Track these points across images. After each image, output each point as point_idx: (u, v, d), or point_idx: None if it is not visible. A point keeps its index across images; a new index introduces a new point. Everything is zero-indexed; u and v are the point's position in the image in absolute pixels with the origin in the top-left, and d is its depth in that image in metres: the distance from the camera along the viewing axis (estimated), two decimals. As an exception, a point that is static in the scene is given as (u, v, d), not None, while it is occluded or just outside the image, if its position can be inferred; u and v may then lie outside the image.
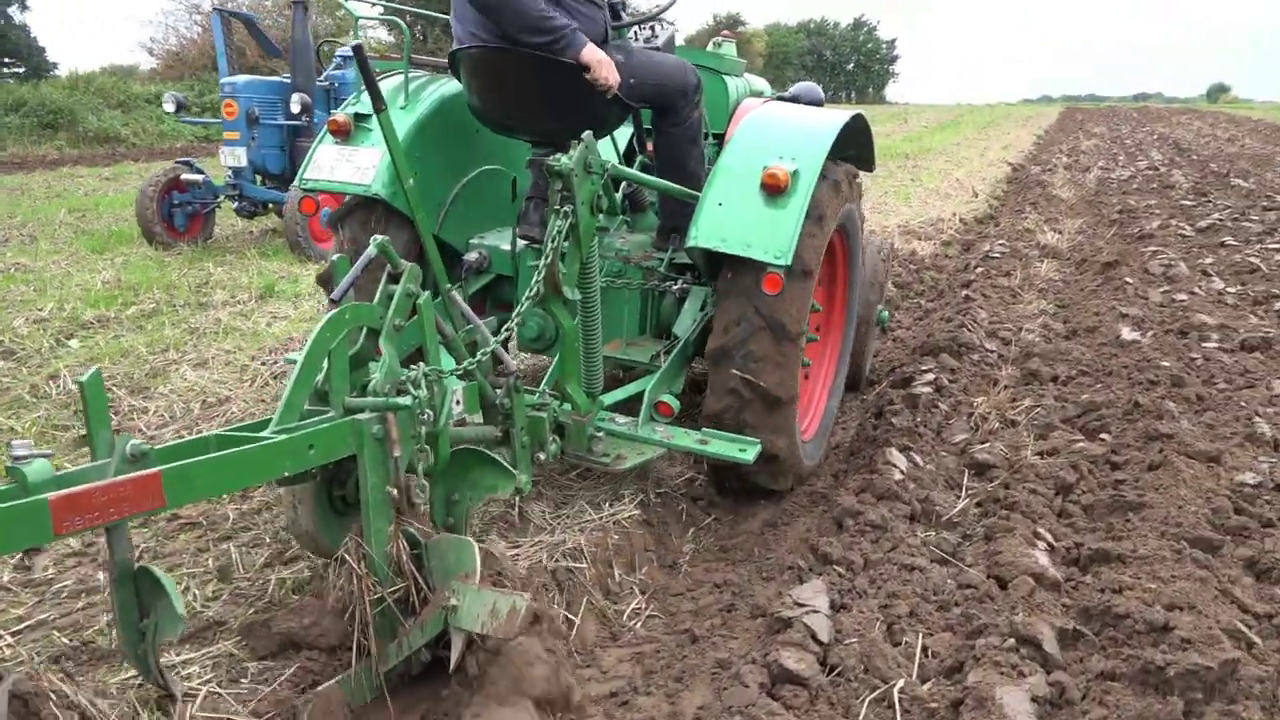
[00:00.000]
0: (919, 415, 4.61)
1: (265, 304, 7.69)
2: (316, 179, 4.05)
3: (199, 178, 9.84)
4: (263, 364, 5.76)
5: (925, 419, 4.58)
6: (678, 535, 3.80)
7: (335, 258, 2.94)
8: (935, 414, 4.65)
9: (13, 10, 38.44)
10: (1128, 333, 6.05)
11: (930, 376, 5.19)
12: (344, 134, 4.05)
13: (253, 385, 5.33)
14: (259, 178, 10.25)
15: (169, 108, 10.27)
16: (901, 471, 3.77)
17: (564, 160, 3.13)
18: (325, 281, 4.17)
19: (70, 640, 2.81)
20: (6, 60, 45.39)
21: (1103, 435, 4.26)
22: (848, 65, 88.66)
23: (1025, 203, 14.35)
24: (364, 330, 2.59)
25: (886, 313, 5.59)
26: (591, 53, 3.53)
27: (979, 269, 8.79)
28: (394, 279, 2.66)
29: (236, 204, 10.20)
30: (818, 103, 5.10)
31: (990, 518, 3.49)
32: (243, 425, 2.45)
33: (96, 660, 2.71)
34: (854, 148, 4.19)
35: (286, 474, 2.26)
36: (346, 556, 2.43)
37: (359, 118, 4.07)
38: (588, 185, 3.25)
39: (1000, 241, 10.39)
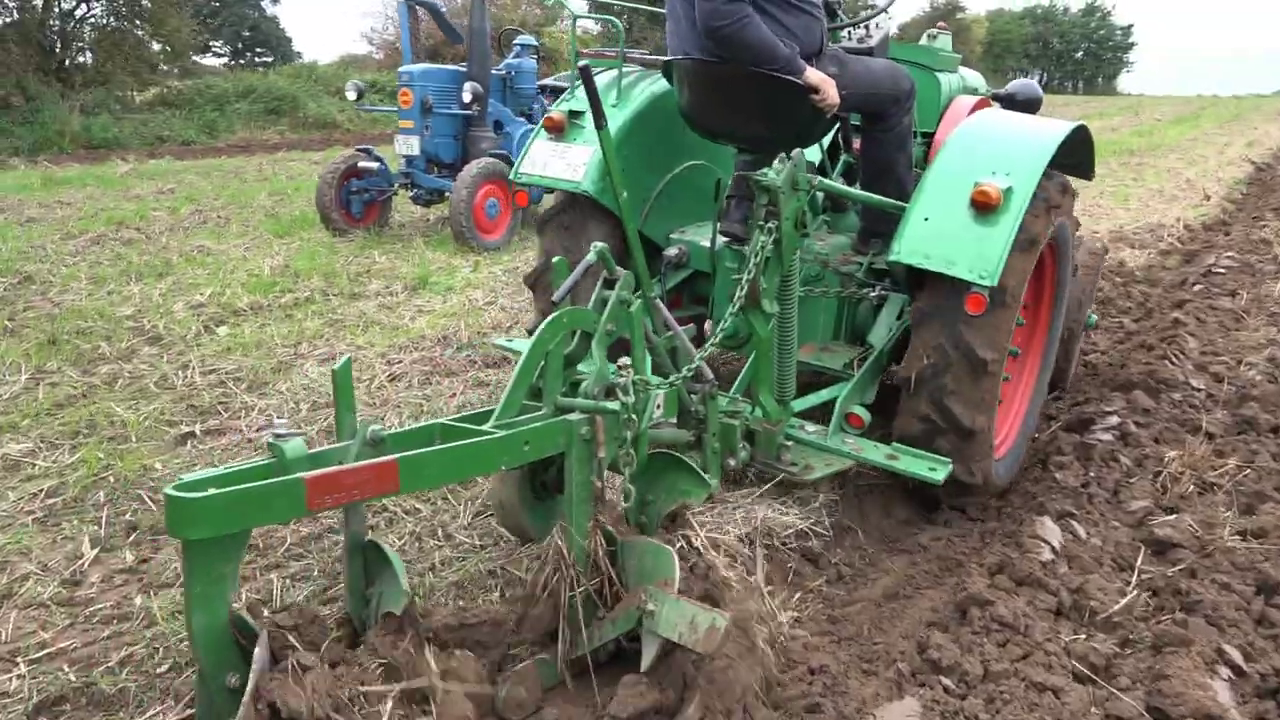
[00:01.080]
0: (1092, 470, 3.87)
1: (416, 296, 7.60)
2: (530, 173, 4.24)
3: (375, 165, 9.93)
4: (389, 362, 5.59)
5: (1099, 475, 3.84)
6: (781, 598, 3.27)
7: (555, 260, 3.00)
8: (1113, 470, 3.90)
9: (265, 3, 41.30)
10: (1376, 379, 5.00)
11: (1115, 420, 4.41)
12: (559, 130, 4.21)
13: (368, 388, 5.15)
14: (433, 166, 10.25)
15: (350, 95, 10.44)
16: (1054, 549, 3.09)
17: (772, 175, 3.16)
18: (533, 283, 4.51)
19: (75, 678, 2.60)
20: (258, 50, 48.97)
21: (1330, 517, 3.41)
22: (1076, 53, 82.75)
23: (1266, 208, 12.71)
24: (578, 332, 2.74)
25: (1095, 316, 5.35)
26: (811, 77, 3.55)
27: (1198, 286, 7.68)
28: (609, 284, 2.77)
29: (412, 192, 10.26)
30: (1035, 101, 5.02)
31: (1163, 619, 2.78)
32: (464, 416, 2.63)
33: (89, 706, 2.47)
34: (1073, 156, 3.90)
35: (503, 467, 2.48)
36: (558, 540, 2.54)
37: (573, 115, 4.22)
38: (794, 202, 3.28)
39: (1230, 254, 9.12)
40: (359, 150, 10.35)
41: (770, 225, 3.23)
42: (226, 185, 14.26)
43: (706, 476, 2.82)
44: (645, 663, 2.34)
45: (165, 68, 27.13)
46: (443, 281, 7.99)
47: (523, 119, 11.00)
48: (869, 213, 4.18)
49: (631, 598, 2.44)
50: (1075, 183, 3.96)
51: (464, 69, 10.11)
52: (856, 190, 4.09)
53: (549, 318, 2.64)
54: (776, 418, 3.59)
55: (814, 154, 4.71)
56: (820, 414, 3.81)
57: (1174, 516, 3.43)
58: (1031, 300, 4.27)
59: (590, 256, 2.82)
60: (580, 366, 2.76)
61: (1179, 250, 10.07)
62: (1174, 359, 5.39)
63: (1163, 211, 12.60)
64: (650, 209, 4.30)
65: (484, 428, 2.45)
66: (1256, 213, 12.34)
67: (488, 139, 10.21)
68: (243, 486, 1.92)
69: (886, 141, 4.07)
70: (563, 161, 4.15)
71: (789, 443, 3.65)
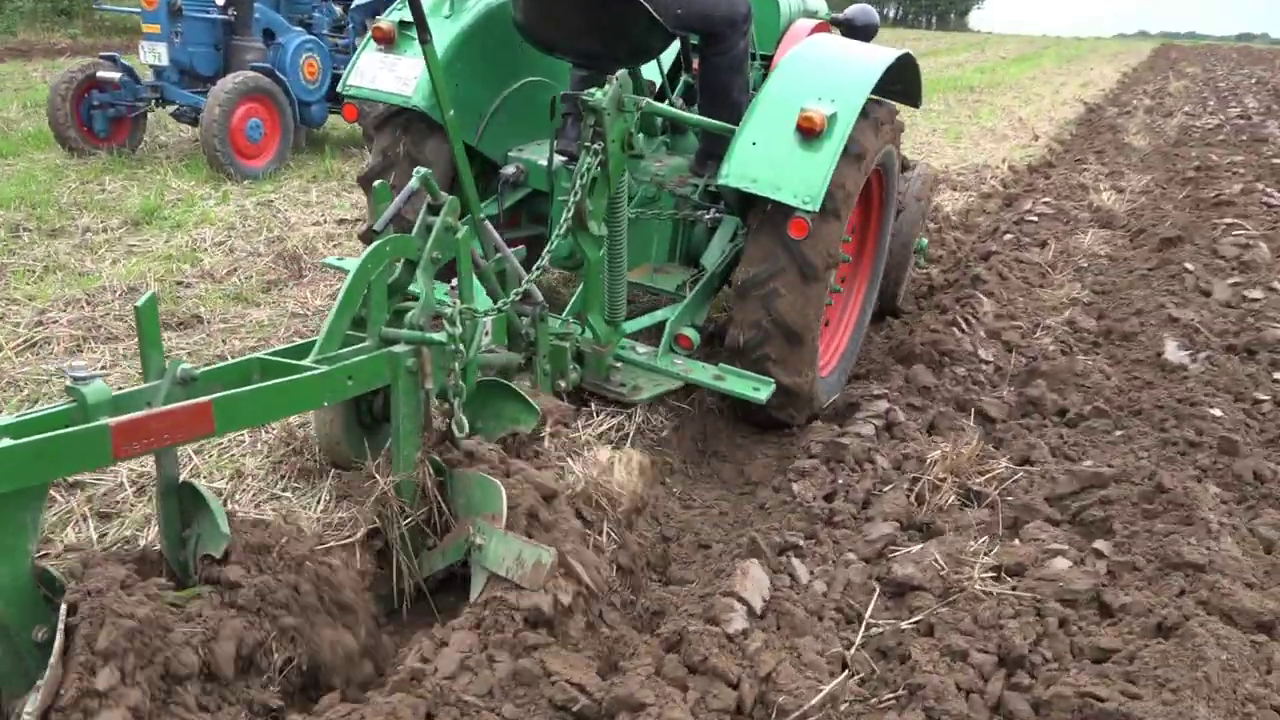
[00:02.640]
0: (841, 476, 3.21)
1: (134, 234, 6.43)
2: (359, 86, 4.08)
3: (116, 76, 8.53)
4: (40, 324, 4.50)
5: (848, 484, 3.18)
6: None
7: (376, 184, 2.93)
8: (865, 476, 3.25)
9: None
10: (1173, 350, 4.54)
11: (882, 406, 3.77)
12: (388, 42, 4.04)
13: (-9, 357, 4.09)
14: (189, 79, 8.92)
15: (85, -8, 8.93)
16: (753, 611, 2.36)
17: (598, 95, 3.15)
18: (368, 239, 4.15)
19: None
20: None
21: (1099, 544, 2.81)
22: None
23: (1090, 150, 12.53)
24: (402, 260, 2.68)
25: (925, 240, 5.51)
26: None
27: (1008, 235, 7.21)
28: (434, 210, 2.73)
29: (172, 108, 8.93)
30: (872, 26, 5.04)
31: (880, 712, 2.11)
32: (284, 349, 2.52)
33: None
34: (900, 83, 4.05)
35: (325, 404, 2.44)
36: (376, 477, 2.54)
37: (403, 25, 4.03)
38: (620, 123, 3.27)
39: (1047, 199, 8.73)
40: (103, 57, 8.92)
41: (596, 147, 3.21)
42: (-21, 93, 12.42)
43: (537, 406, 2.86)
44: (474, 594, 2.36)
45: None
46: (174, 216, 6.83)
47: (300, 28, 9.70)
48: (707, 135, 4.12)
49: (460, 529, 2.49)
50: (908, 115, 4.05)
51: (222, -34, 8.75)
52: (685, 113, 4.08)
53: (371, 246, 2.56)
54: (606, 339, 3.61)
55: (654, 74, 4.59)
56: (653, 335, 3.83)
57: (919, 548, 2.78)
58: (858, 224, 4.29)
59: (413, 182, 2.75)
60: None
61: (999, 194, 9.68)
62: (965, 324, 4.82)
63: (990, 151, 12.27)
64: (487, 125, 4.22)
65: (305, 363, 2.35)
66: (1080, 155, 12.13)
67: (254, 49, 8.92)
68: (41, 436, 1.79)
69: (722, 65, 4.04)
70: (392, 75, 4.00)
71: (619, 364, 3.68)
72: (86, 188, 7.59)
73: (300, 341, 2.61)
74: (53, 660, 1.75)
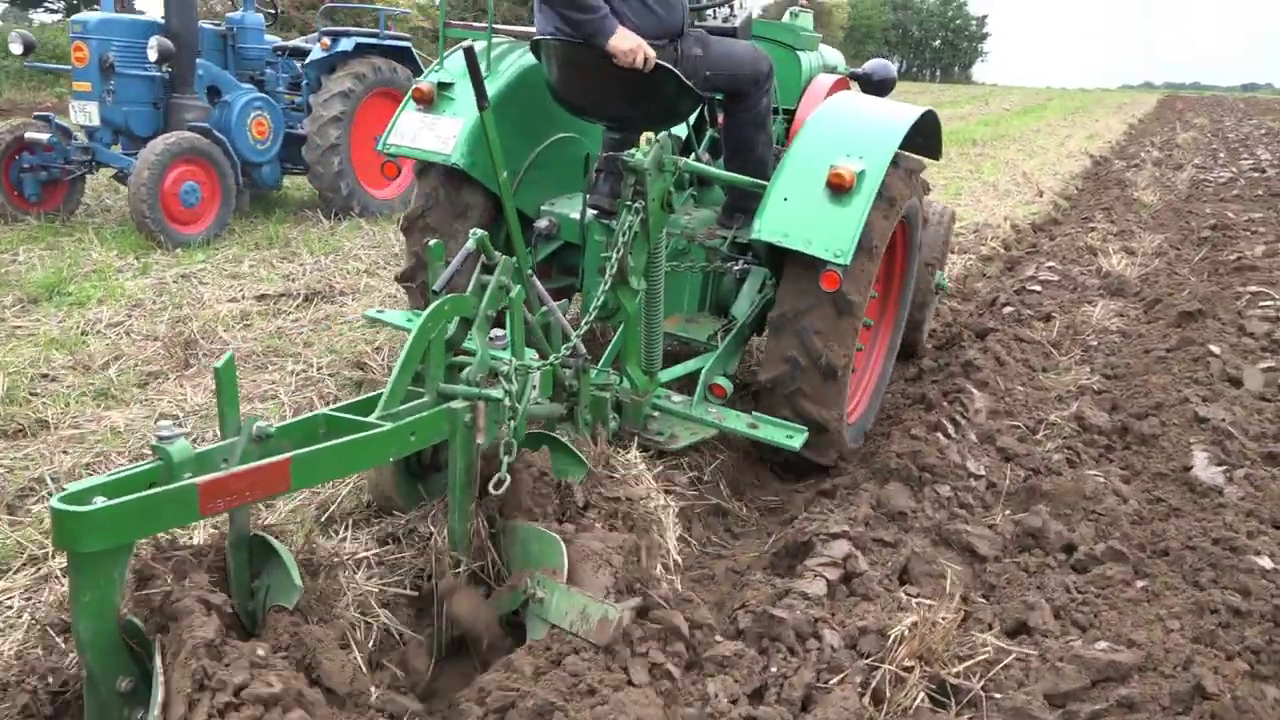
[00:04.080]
0: (774, 664, 2.43)
1: (28, 312, 5.74)
2: (400, 145, 4.24)
3: (44, 138, 7.92)
4: None
5: (781, 678, 2.39)
6: None
7: (431, 243, 2.97)
8: (804, 665, 2.45)
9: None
10: (1203, 464, 3.76)
11: (842, 549, 3.00)
12: (427, 102, 4.21)
13: None
14: (124, 139, 8.31)
15: (15, 49, 8.34)
16: None
17: (639, 157, 3.26)
18: (409, 278, 4.57)
19: None
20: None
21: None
22: (934, 42, 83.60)
23: (1097, 207, 11.82)
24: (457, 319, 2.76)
25: (947, 281, 5.65)
26: (619, 42, 3.55)
27: (1008, 308, 6.46)
28: (488, 270, 2.80)
29: (113, 171, 8.32)
30: (890, 81, 5.16)
31: None
32: (348, 404, 2.64)
33: None
34: (922, 137, 4.15)
35: (391, 459, 2.62)
36: (432, 529, 2.73)
37: (441, 86, 4.23)
38: (660, 183, 3.39)
39: (1051, 263, 8.00)
40: (36, 117, 8.32)
41: (637, 205, 3.33)
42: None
43: (585, 460, 2.92)
44: (530, 640, 2.43)
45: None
46: (79, 292, 6.13)
47: (250, 85, 9.11)
48: (733, 189, 4.22)
49: (516, 580, 2.56)
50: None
51: (160, 21, 8.17)
52: (719, 170, 4.17)
53: (431, 306, 2.67)
54: (644, 389, 3.70)
55: (680, 130, 4.65)
56: (686, 384, 3.92)
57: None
58: (883, 275, 4.40)
59: (470, 244, 2.85)
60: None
61: (1000, 256, 8.97)
62: (953, 427, 4.05)
63: (992, 209, 11.59)
64: (521, 180, 4.36)
65: (370, 419, 2.44)
66: (1087, 212, 11.41)
67: (195, 108, 8.30)
68: (133, 496, 1.85)
69: (747, 120, 4.16)
70: (432, 133, 4.15)
71: (655, 413, 3.78)
72: (3, 256, 6.93)
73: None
74: (155, 711, 1.81)
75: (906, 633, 2.52)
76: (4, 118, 17.50)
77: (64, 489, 1.86)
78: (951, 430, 4.02)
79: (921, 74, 75.21)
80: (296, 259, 7.45)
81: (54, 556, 2.99)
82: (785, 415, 3.72)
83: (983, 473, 3.77)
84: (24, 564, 2.96)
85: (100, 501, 1.80)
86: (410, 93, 4.28)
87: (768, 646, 2.51)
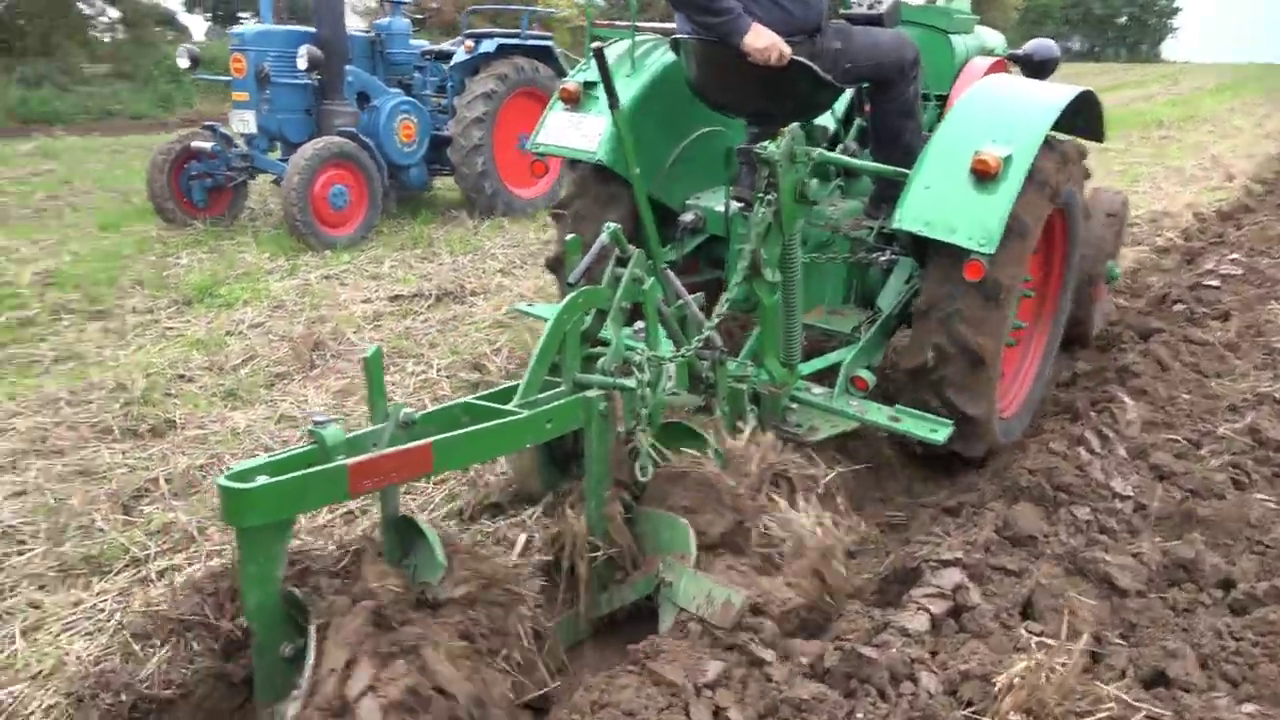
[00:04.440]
0: (860, 710, 2.19)
1: (180, 314, 6.03)
2: (547, 144, 4.38)
3: (208, 146, 8.33)
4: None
5: (867, 726, 2.15)
6: None
7: (568, 238, 3.24)
8: (894, 713, 2.20)
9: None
10: (1400, 490, 3.25)
11: (952, 578, 2.71)
12: (574, 101, 4.33)
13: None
14: (279, 146, 8.66)
15: (183, 63, 8.82)
16: None
17: (771, 149, 3.25)
18: (555, 266, 4.70)
19: None
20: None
21: None
22: (1119, 19, 78.68)
23: (1297, 195, 10.74)
24: (594, 310, 2.85)
25: (1119, 269, 5.47)
26: (754, 40, 3.54)
27: (1179, 305, 5.88)
28: (622, 263, 2.91)
29: (274, 177, 8.68)
30: (1052, 61, 4.86)
31: None
32: (488, 394, 2.69)
33: None
34: (1081, 119, 3.95)
35: (527, 445, 2.75)
36: (569, 514, 2.75)
37: (588, 85, 4.32)
38: (792, 174, 3.36)
39: (1235, 255, 7.27)
40: (204, 127, 8.78)
41: (770, 197, 3.31)
42: (120, 166, 12.77)
43: (719, 447, 2.94)
44: (663, 627, 2.56)
45: (120, 37, 25.55)
46: (228, 294, 6.39)
47: (398, 90, 9.33)
48: (880, 179, 4.14)
49: (649, 565, 2.68)
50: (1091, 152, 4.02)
51: (312, 30, 8.45)
52: (854, 160, 4.13)
53: (566, 298, 2.74)
54: (782, 381, 3.66)
55: (828, 120, 4.67)
56: (828, 378, 3.85)
57: None
58: (1042, 266, 4.30)
59: (603, 237, 2.91)
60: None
61: (1178, 248, 8.24)
62: (1098, 440, 3.66)
63: (1174, 196, 10.71)
64: (667, 174, 4.45)
65: (509, 407, 2.54)
66: (1282, 199, 10.38)
67: (345, 114, 8.57)
68: (290, 476, 2.00)
69: (893, 110, 4.10)
70: (578, 132, 4.26)
71: (794, 405, 3.71)
72: (163, 262, 7.32)
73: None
74: (307, 673, 1.93)
75: (1017, 680, 2.23)
76: (194, 128, 18.76)
77: (230, 469, 2.05)
78: (1096, 444, 3.63)
79: (1105, 54, 70.91)
80: (436, 259, 7.57)
81: (154, 560, 3.05)
82: (930, 407, 3.62)
83: (1130, 493, 3.37)
84: (125, 566, 3.03)
85: (262, 480, 1.97)
86: (558, 93, 4.42)
87: (855, 689, 2.27)
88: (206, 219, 8.52)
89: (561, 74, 10.10)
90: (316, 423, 2.17)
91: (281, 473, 2.01)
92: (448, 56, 9.66)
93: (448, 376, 4.77)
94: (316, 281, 6.74)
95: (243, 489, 1.94)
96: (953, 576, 2.72)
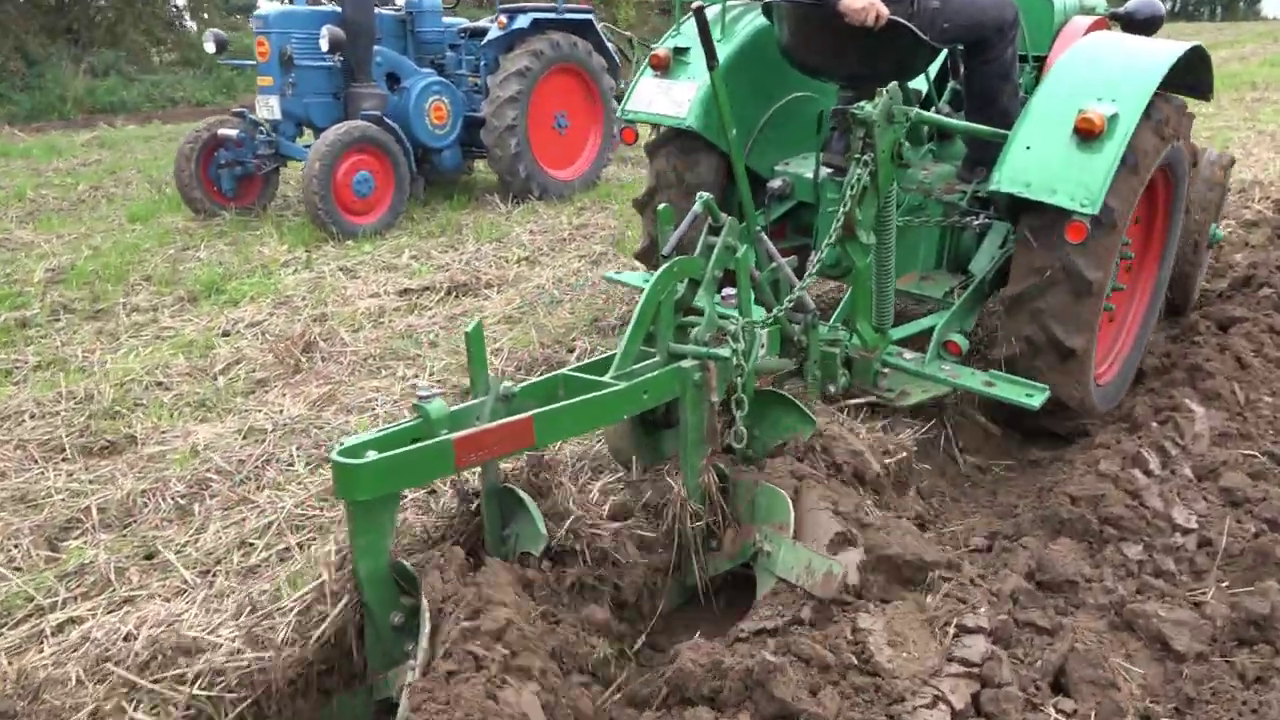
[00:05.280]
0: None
1: (183, 311, 5.78)
2: (637, 110, 4.39)
3: (233, 133, 8.09)
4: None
5: None
6: None
7: (660, 207, 3.19)
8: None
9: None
10: None
11: (978, 648, 2.23)
12: (664, 68, 4.35)
13: None
14: (304, 130, 8.39)
15: (209, 48, 8.56)
16: None
17: (868, 109, 3.21)
18: (642, 207, 4.68)
19: None
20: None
21: None
22: (1215, -27, 75.04)
23: (1407, 157, 9.79)
24: (686, 280, 2.86)
25: (1221, 231, 5.36)
26: (851, 1, 3.50)
27: (1265, 290, 5.23)
28: (714, 231, 2.93)
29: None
30: (1156, 19, 4.72)
31: None
32: (585, 365, 2.77)
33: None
34: (1190, 76, 3.81)
35: (625, 417, 2.74)
36: (671, 482, 2.74)
37: (678, 51, 4.34)
38: (889, 134, 3.31)
39: (1334, 230, 6.54)
40: (234, 114, 8.55)
41: (866, 158, 3.26)
42: (168, 155, 12.69)
43: (814, 416, 2.95)
44: (760, 593, 2.56)
45: (189, 25, 25.75)
46: (238, 289, 6.12)
47: (430, 70, 8.97)
48: (974, 141, 4.11)
49: (745, 533, 2.69)
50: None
51: (337, 10, 8.13)
52: (954, 120, 4.09)
53: (660, 269, 2.76)
54: (874, 345, 3.64)
55: (920, 83, 4.60)
56: (921, 342, 3.82)
57: None
58: (1143, 227, 4.22)
59: (696, 207, 2.94)
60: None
61: (1269, 220, 7.48)
62: (1160, 454, 3.13)
63: (1267, 163, 9.85)
64: (755, 141, 4.44)
65: (605, 379, 2.58)
66: (1393, 164, 9.45)
67: (372, 97, 8.24)
68: (399, 451, 2.07)
69: (990, 71, 4.02)
70: (668, 98, 4.27)
71: (886, 369, 3.69)
72: (182, 255, 7.11)
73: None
74: (423, 642, 1.97)
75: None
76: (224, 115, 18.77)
77: (342, 443, 2.10)
78: (1155, 463, 3.10)
79: (1199, 12, 67.63)
80: (460, 248, 7.21)
81: (60, 608, 2.72)
82: (1025, 342, 3.55)
83: (1194, 525, 2.85)
84: (27, 615, 2.70)
85: (372, 455, 2.03)
86: (648, 59, 4.44)
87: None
88: (234, 209, 8.29)
89: (603, 49, 9.66)
90: (421, 397, 2.25)
91: (389, 448, 2.07)
92: (483, 34, 9.27)
93: (440, 380, 4.39)
94: (330, 275, 6.43)
95: (353, 464, 2.00)
96: (980, 647, 2.24)
